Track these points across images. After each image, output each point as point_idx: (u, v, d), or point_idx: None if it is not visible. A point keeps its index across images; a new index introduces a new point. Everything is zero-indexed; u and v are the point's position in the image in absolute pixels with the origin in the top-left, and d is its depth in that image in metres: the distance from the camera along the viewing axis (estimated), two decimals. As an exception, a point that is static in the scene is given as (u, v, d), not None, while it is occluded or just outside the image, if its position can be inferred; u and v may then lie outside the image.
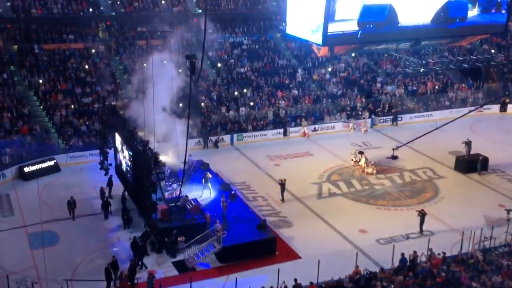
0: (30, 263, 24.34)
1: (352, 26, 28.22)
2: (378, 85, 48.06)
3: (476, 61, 48.56)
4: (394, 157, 37.46)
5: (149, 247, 25.66)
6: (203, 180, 30.38)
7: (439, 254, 23.39)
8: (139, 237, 25.44)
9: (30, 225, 27.44)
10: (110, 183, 30.57)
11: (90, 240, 26.61)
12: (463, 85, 50.29)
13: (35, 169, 33.76)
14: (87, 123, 37.72)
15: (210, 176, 30.76)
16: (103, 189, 29.83)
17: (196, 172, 32.25)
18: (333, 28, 27.64)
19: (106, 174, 31.38)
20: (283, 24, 42.83)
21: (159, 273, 24.29)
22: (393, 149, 37.95)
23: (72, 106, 38.70)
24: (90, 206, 29.96)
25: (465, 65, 48.33)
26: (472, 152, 37.30)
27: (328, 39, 28.33)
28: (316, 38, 29.74)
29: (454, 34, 32.09)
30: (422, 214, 28.21)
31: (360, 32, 28.40)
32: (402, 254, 23.25)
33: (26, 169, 33.53)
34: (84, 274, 23.65)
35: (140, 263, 24.52)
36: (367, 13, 27.78)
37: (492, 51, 51.85)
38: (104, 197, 29.44)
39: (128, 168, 28.86)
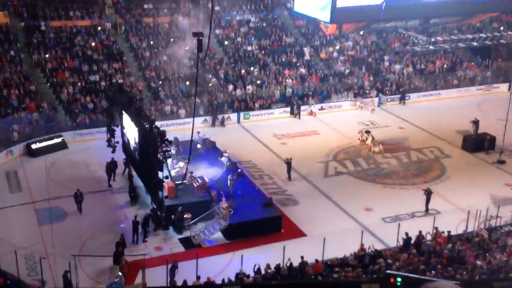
0: (38, 239, 24.63)
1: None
2: (386, 63, 47.72)
3: (485, 39, 48.10)
4: (501, 162, 34.22)
5: (153, 226, 25.83)
6: (221, 154, 30.61)
7: (443, 232, 23.44)
8: (149, 215, 25.73)
9: (38, 201, 27.68)
10: (113, 166, 30.41)
11: (97, 217, 26.84)
12: (472, 63, 49.86)
13: (42, 146, 33.94)
14: (94, 100, 37.77)
15: (227, 154, 30.94)
16: (108, 165, 30.06)
17: (205, 150, 32.39)
18: (353, 2, 27.15)
19: (113, 151, 31.53)
20: (291, 1, 42.60)
21: (165, 249, 24.55)
22: (500, 154, 34.66)
23: (79, 84, 38.72)
24: (97, 183, 30.15)
25: (475, 43, 47.90)
26: (479, 131, 37.14)
27: (344, 13, 27.90)
28: (324, 15, 29.59)
29: (480, 8, 31.08)
30: (428, 193, 28.24)
31: (384, 4, 27.91)
32: (406, 234, 23.28)
33: (34, 146, 33.72)
34: (92, 250, 23.87)
35: (140, 239, 24.96)
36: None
37: (502, 28, 51.24)
38: (110, 173, 29.87)
39: (135, 146, 28.95)
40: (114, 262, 22.22)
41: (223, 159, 30.82)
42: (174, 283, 20.87)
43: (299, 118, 41.36)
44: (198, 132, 33.40)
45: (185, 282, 19.86)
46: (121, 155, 31.06)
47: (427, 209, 28.16)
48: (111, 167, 30.04)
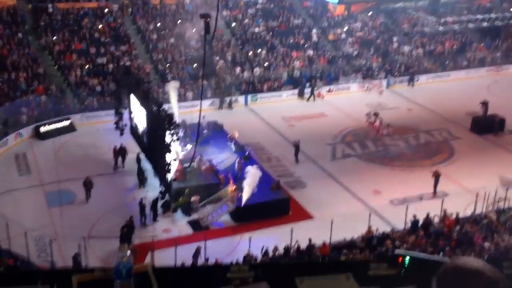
0: (48, 221, 24.82)
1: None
2: (395, 45, 47.32)
3: (495, 20, 47.54)
4: None
5: (161, 209, 25.90)
6: (229, 138, 30.65)
7: (452, 214, 23.42)
8: (157, 197, 25.83)
9: (47, 183, 27.83)
10: (123, 152, 30.09)
11: (106, 199, 26.95)
12: (482, 45, 49.34)
13: (51, 128, 34.00)
14: (102, 83, 37.76)
15: (236, 135, 30.92)
16: (116, 148, 30.01)
17: (213, 132, 32.35)
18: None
19: (121, 134, 31.61)
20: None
21: (174, 231, 24.69)
22: None
23: (87, 66, 38.69)
24: (106, 165, 30.21)
25: (484, 24, 47.38)
26: (489, 112, 36.87)
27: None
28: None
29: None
30: (437, 176, 28.16)
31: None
32: (414, 217, 23.27)
33: (42, 129, 33.80)
34: (101, 232, 24.07)
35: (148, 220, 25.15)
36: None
37: (512, 9, 50.66)
38: (117, 157, 29.71)
39: (143, 128, 28.97)
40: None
41: (231, 145, 30.76)
42: None
43: (314, 99, 41.06)
44: (203, 117, 33.27)
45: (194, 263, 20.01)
46: (129, 138, 31.11)
47: (435, 192, 28.13)
48: (120, 152, 29.76)
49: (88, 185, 26.72)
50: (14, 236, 22.22)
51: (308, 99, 41.07)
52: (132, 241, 23.32)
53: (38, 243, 23.23)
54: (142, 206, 24.85)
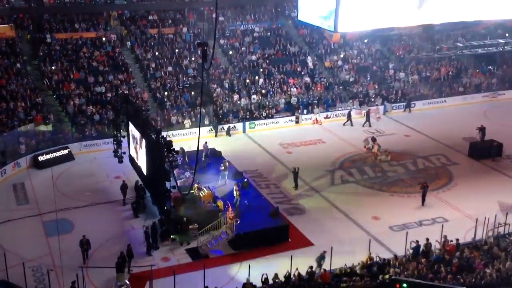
0: (46, 251, 24.62)
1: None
2: (391, 71, 47.72)
3: (490, 46, 48.07)
4: None
5: (159, 239, 25.66)
6: (222, 167, 30.59)
7: (452, 241, 23.31)
8: (154, 223, 25.67)
9: (45, 213, 27.71)
10: (143, 193, 29.00)
11: (104, 228, 26.78)
12: (477, 70, 49.79)
13: (49, 158, 33.98)
14: (100, 112, 37.87)
15: (228, 164, 30.95)
16: (125, 182, 29.35)
17: (210, 159, 32.38)
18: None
19: (120, 162, 31.59)
20: (295, 10, 42.70)
21: (172, 260, 24.50)
22: None
23: (85, 95, 38.84)
24: (105, 194, 30.17)
25: (479, 50, 47.89)
26: (486, 138, 37.01)
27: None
28: (328, 24, 29.67)
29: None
30: (424, 187, 28.84)
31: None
32: (417, 242, 23.13)
33: (41, 158, 33.77)
34: (99, 261, 23.84)
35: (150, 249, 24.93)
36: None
37: (507, 35, 51.15)
38: (125, 191, 28.99)
39: (141, 156, 28.92)
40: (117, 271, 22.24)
41: (225, 175, 30.72)
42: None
43: (298, 122, 41.79)
44: (206, 142, 33.43)
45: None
46: (128, 166, 31.09)
47: (423, 202, 28.96)
48: (138, 190, 28.56)
49: (84, 245, 24.21)
50: (12, 267, 22.07)
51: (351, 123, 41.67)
52: (130, 270, 23.15)
53: (35, 273, 23.00)
54: (147, 235, 24.66)
